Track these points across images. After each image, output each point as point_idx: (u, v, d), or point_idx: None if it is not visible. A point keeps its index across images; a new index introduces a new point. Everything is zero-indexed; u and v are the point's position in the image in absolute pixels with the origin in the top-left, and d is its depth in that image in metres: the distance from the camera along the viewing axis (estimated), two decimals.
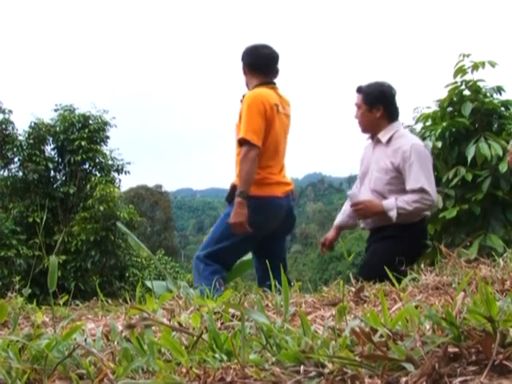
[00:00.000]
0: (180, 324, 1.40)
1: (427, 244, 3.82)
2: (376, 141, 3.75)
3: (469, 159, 4.50)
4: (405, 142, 3.61)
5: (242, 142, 3.57)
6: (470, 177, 4.54)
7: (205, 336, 1.11)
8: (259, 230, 3.59)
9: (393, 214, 3.51)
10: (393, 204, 3.52)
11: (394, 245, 3.51)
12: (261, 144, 3.56)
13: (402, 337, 0.92)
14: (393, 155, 3.60)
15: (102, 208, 14.63)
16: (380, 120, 3.72)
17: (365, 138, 3.96)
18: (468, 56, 5.01)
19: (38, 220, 14.36)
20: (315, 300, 1.85)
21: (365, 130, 3.82)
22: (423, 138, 4.85)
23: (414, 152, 3.53)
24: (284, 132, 3.79)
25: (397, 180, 3.59)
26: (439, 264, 2.41)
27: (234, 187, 3.64)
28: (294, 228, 4.45)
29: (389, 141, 3.67)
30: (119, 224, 5.77)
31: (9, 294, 2.35)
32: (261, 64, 3.78)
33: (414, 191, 3.51)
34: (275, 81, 3.86)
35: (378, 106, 3.70)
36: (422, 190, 3.50)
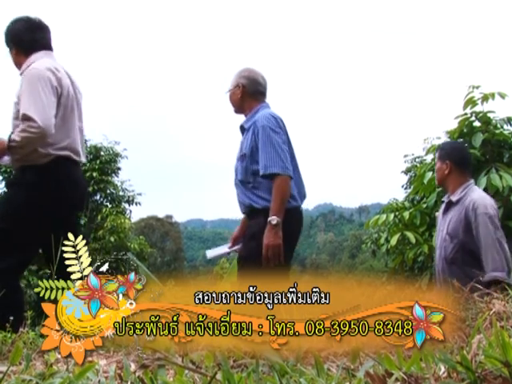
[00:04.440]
0: (193, 362, 1.39)
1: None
2: None
3: None
4: None
5: None
6: None
7: (218, 375, 1.11)
8: None
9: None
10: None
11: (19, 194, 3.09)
12: None
13: (417, 380, 0.91)
14: None
15: (112, 239, 14.68)
16: None
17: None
18: (478, 87, 5.04)
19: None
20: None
21: None
22: (434, 171, 4.85)
23: (25, 78, 3.08)
24: None
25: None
26: (451, 298, 2.39)
27: None
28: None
29: None
30: (130, 255, 5.77)
31: (20, 329, 2.35)
32: None
33: (22, 119, 3.02)
34: None
35: None
36: (27, 118, 2.99)
